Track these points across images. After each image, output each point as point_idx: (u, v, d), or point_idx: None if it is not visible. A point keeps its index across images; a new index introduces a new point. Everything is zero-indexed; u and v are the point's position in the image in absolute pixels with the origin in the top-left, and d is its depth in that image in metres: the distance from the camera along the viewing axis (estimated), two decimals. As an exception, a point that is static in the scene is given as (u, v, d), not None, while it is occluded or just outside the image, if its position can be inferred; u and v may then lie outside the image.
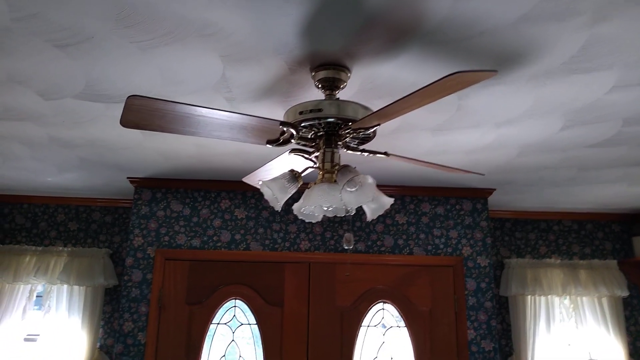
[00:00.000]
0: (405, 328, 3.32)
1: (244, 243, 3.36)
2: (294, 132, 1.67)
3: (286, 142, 1.72)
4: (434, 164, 1.92)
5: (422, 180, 3.36)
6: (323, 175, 1.72)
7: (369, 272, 3.38)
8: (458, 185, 3.44)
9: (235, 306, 3.33)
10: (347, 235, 1.76)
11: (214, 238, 3.36)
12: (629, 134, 2.42)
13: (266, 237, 3.38)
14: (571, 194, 3.60)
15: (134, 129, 1.73)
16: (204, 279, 3.30)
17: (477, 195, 3.51)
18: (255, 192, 3.44)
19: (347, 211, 1.69)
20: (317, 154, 1.79)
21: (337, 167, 1.71)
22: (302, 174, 1.75)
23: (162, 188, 3.42)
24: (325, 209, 1.71)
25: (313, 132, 1.74)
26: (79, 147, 2.72)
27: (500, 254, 4.09)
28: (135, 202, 3.39)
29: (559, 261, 4.03)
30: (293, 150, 1.83)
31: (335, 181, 1.71)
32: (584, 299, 3.98)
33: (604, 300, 3.95)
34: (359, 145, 1.87)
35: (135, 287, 3.25)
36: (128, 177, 3.36)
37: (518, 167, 3.00)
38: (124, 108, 1.39)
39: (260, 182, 1.65)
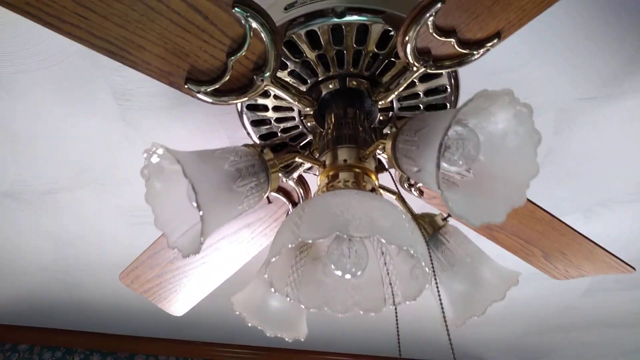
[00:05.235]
0: None
1: None
2: (272, 59, 0.63)
3: (242, 90, 0.66)
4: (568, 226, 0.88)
5: (393, 346, 2.13)
6: (334, 174, 0.64)
7: None
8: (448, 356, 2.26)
9: None
10: None
11: None
12: None
13: None
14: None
15: None
16: None
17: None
18: (149, 357, 2.08)
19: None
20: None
21: (373, 152, 0.65)
22: (287, 166, 0.68)
23: (-12, 341, 1.99)
24: (353, 268, 0.59)
25: (309, 79, 0.73)
26: None
27: None
28: None
29: None
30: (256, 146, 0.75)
31: (372, 189, 0.63)
32: None
33: None
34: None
35: None
36: None
37: (571, 322, 1.96)
38: None
39: (159, 152, 0.53)
